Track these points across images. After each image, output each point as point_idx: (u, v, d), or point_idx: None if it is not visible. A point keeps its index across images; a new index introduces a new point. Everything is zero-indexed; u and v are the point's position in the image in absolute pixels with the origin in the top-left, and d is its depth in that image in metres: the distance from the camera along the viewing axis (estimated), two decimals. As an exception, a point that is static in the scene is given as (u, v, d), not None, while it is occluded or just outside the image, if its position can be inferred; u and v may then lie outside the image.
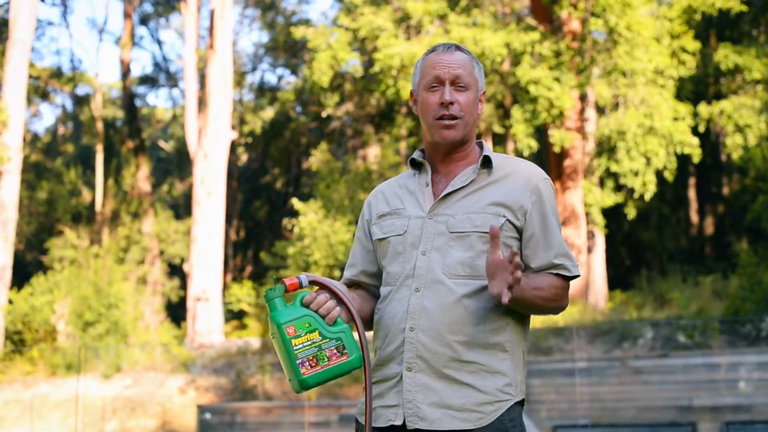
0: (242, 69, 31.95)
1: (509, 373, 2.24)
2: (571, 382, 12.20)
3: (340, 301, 2.24)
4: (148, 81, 34.05)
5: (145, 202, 26.36)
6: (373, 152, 23.80)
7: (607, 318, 16.44)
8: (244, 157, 33.57)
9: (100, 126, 28.08)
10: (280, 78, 33.43)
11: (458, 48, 2.36)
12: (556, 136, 16.56)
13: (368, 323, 2.41)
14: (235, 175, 30.62)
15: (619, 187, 18.01)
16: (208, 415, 12.20)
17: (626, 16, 15.95)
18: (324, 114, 23.18)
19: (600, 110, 18.29)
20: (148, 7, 32.11)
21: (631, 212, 17.71)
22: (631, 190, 17.59)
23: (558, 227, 2.32)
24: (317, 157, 24.51)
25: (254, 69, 33.27)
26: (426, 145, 2.42)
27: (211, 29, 21.53)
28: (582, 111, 18.10)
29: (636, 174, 16.37)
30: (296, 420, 11.78)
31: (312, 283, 2.26)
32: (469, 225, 2.25)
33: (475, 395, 2.19)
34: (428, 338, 2.21)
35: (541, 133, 18.75)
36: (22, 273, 23.93)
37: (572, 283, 2.34)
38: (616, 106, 17.24)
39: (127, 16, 27.94)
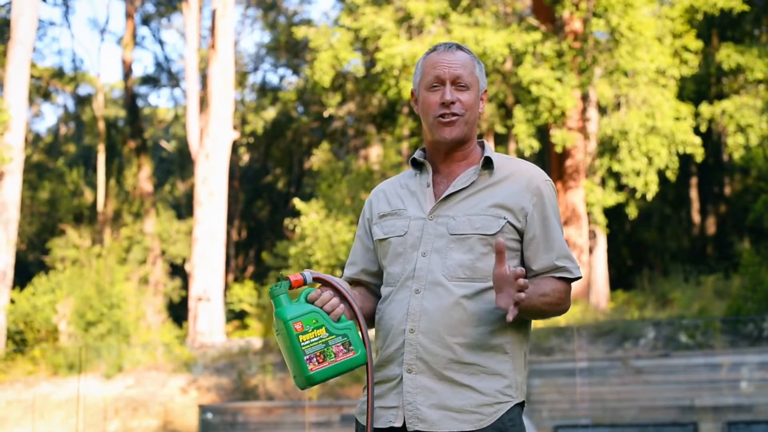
0: (244, 69, 31.95)
1: (509, 374, 2.24)
2: (573, 382, 12.19)
3: (343, 299, 2.25)
4: (150, 81, 34.07)
5: (146, 202, 26.37)
6: (374, 152, 23.80)
7: (609, 318, 16.43)
8: (245, 157, 33.57)
9: (101, 126, 28.11)
10: (281, 78, 33.44)
11: (459, 47, 2.35)
12: (557, 136, 16.55)
13: (369, 321, 2.42)
14: (237, 175, 30.63)
15: (620, 187, 18.00)
16: (209, 415, 12.21)
17: (628, 16, 15.95)
18: (326, 114, 23.18)
19: (602, 110, 18.28)
20: (149, 7, 32.15)
21: (632, 212, 17.71)
22: (633, 190, 17.59)
23: (560, 229, 2.32)
24: (319, 157, 24.54)
25: (256, 69, 33.28)
26: (427, 145, 2.42)
27: (212, 29, 21.54)
28: (584, 111, 18.09)
29: (638, 174, 16.36)
30: (297, 420, 11.79)
31: (316, 280, 2.27)
32: (469, 227, 2.25)
33: (475, 397, 2.19)
34: (428, 340, 2.21)
35: (542, 133, 18.75)
36: (24, 273, 23.95)
37: (574, 283, 2.33)
38: (617, 106, 17.24)
39: (128, 16, 27.96)
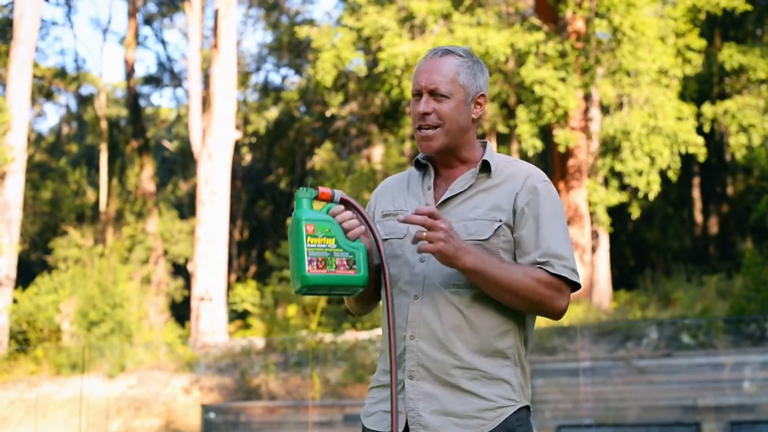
0: (246, 69, 31.98)
1: (511, 379, 2.22)
2: (575, 381, 12.19)
3: (367, 226, 2.25)
4: (152, 81, 34.13)
5: (149, 201, 26.39)
6: (377, 152, 23.82)
7: (611, 318, 16.43)
8: (248, 157, 33.60)
9: (104, 126, 28.14)
10: (284, 78, 33.49)
11: (449, 52, 2.31)
12: (560, 135, 16.56)
13: (364, 306, 2.42)
14: (240, 175, 30.66)
15: (623, 187, 18.00)
16: (212, 415, 12.21)
17: (630, 16, 15.95)
18: (328, 113, 23.20)
19: (604, 110, 18.27)
20: (152, 7, 32.19)
21: (635, 212, 17.71)
22: (636, 190, 17.59)
23: (558, 230, 2.24)
24: (321, 157, 24.57)
25: (258, 69, 33.31)
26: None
27: (215, 29, 21.55)
28: (586, 111, 18.08)
29: (640, 173, 16.36)
30: (300, 420, 11.79)
31: (343, 201, 2.26)
32: (464, 233, 2.22)
33: (476, 402, 2.18)
34: (428, 346, 2.21)
35: (545, 132, 18.75)
36: (27, 273, 23.99)
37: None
38: (620, 106, 17.24)
39: (131, 16, 27.99)
